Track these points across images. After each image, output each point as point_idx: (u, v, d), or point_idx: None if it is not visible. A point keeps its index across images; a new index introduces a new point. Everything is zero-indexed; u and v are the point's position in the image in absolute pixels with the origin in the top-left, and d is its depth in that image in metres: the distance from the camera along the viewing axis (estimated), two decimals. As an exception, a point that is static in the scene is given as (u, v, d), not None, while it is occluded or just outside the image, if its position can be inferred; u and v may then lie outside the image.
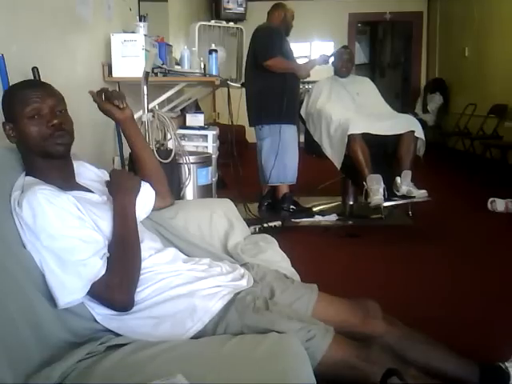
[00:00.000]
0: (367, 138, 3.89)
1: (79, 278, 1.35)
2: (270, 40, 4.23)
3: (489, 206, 4.43)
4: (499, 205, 4.39)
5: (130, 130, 1.81)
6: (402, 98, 9.94)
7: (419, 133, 3.99)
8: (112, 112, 1.75)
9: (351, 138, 3.88)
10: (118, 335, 1.39)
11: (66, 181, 1.55)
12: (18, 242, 1.37)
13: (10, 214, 1.39)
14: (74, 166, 1.65)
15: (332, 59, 4.54)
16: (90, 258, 1.37)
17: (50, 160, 1.50)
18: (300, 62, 4.54)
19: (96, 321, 1.44)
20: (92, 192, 1.61)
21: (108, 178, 1.73)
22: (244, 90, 4.44)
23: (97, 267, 1.37)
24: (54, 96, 1.51)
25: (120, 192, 1.58)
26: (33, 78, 2.18)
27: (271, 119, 4.27)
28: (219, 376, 1.15)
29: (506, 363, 1.69)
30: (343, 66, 4.53)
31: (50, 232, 1.36)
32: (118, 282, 1.38)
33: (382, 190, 3.72)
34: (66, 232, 1.37)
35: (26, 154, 1.53)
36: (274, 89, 4.23)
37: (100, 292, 1.37)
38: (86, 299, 1.42)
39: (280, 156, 4.25)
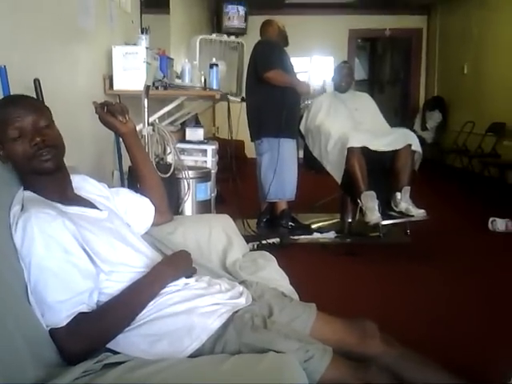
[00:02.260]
0: (365, 153, 3.90)
1: (41, 318, 1.31)
2: (270, 52, 4.27)
3: (489, 225, 4.43)
4: (500, 224, 4.40)
5: (132, 144, 1.80)
6: (400, 115, 9.97)
7: (416, 145, 4.01)
8: (115, 125, 1.74)
9: (350, 151, 3.89)
10: (114, 353, 1.38)
11: (64, 194, 1.54)
12: (17, 256, 1.36)
13: (9, 227, 1.38)
14: (76, 179, 1.64)
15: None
16: (58, 303, 1.31)
17: (43, 176, 1.49)
18: (300, 77, 4.58)
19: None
20: (94, 207, 1.60)
21: (109, 191, 1.73)
22: (244, 104, 4.45)
23: (59, 317, 1.30)
24: (35, 111, 1.47)
25: (172, 266, 1.53)
26: (34, 89, 2.19)
27: (270, 133, 4.28)
28: (217, 396, 1.14)
29: (505, 385, 1.68)
30: (343, 80, 4.56)
31: (32, 261, 1.32)
32: (83, 340, 1.31)
33: (377, 207, 3.72)
34: (46, 264, 1.32)
35: (19, 172, 1.52)
36: (273, 102, 4.24)
37: (54, 337, 1.30)
38: None
39: (279, 171, 4.25)
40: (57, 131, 1.53)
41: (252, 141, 4.47)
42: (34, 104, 1.53)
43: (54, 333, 1.31)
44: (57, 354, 1.30)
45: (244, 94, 4.57)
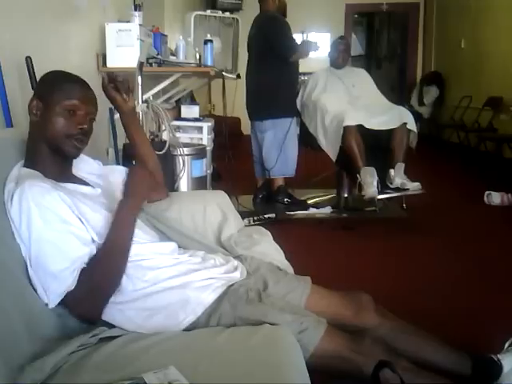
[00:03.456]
0: (361, 130, 3.89)
1: (48, 291, 1.33)
2: (290, 33, 4.21)
3: (485, 199, 4.45)
4: (495, 198, 4.41)
5: (130, 122, 1.81)
6: (397, 90, 9.92)
7: (411, 125, 4.00)
8: (117, 101, 1.74)
9: (346, 129, 3.88)
10: (110, 327, 1.39)
11: (63, 174, 1.55)
12: (12, 234, 1.36)
13: (3, 204, 1.39)
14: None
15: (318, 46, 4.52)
16: (62, 271, 1.33)
17: (56, 155, 1.50)
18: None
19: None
20: (88, 185, 1.61)
21: (102, 168, 1.73)
22: (240, 81, 4.41)
23: (66, 283, 1.33)
24: (93, 104, 1.54)
25: (135, 195, 1.52)
26: (26, 67, 2.17)
27: (279, 112, 4.26)
28: (211, 367, 1.15)
29: (498, 355, 1.70)
30: (339, 56, 4.51)
31: (31, 233, 1.34)
32: (89, 296, 1.36)
33: (375, 183, 3.73)
34: (45, 235, 1.35)
35: (34, 139, 1.52)
36: (282, 82, 4.22)
37: (67, 304, 1.35)
38: None
39: (283, 149, 4.26)
40: (93, 130, 1.57)
41: (253, 119, 4.43)
42: (95, 99, 1.57)
43: (68, 300, 1.33)
44: (53, 330, 1.31)
45: (239, 71, 4.53)
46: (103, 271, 1.39)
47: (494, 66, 6.69)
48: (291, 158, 4.34)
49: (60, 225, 1.37)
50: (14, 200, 1.36)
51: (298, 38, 4.35)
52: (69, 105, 1.46)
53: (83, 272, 1.35)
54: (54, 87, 1.49)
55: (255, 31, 4.36)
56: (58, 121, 1.46)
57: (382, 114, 4.04)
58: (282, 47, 4.15)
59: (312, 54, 4.36)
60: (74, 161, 1.61)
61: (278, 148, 4.26)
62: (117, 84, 1.72)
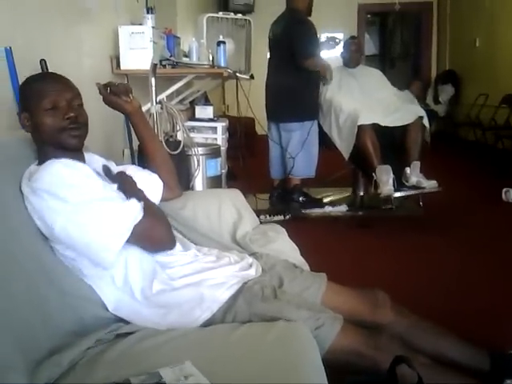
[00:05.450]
0: (375, 128, 3.88)
1: (122, 220, 1.38)
2: (309, 38, 4.17)
3: (503, 196, 4.40)
4: None
5: (138, 122, 1.82)
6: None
7: (424, 121, 3.98)
8: (119, 105, 1.75)
9: (361, 128, 3.87)
10: (126, 323, 1.40)
11: None
12: (28, 231, 1.38)
13: (19, 202, 1.40)
14: (85, 157, 1.65)
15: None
16: (128, 201, 1.42)
17: (63, 151, 1.51)
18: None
19: (106, 309, 1.44)
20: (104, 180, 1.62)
21: (116, 169, 1.74)
22: (254, 82, 4.38)
23: (137, 208, 1.41)
24: (71, 90, 1.54)
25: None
26: (41, 70, 2.19)
27: (308, 114, 4.25)
28: (227, 363, 1.15)
29: (517, 352, 1.68)
30: (351, 56, 4.51)
31: (77, 189, 1.39)
32: (157, 221, 1.46)
33: (391, 181, 3.71)
34: (91, 188, 1.41)
35: (40, 144, 1.55)
36: (311, 83, 4.22)
37: (143, 232, 1.41)
38: (100, 285, 1.44)
39: (308, 150, 4.26)
40: (86, 114, 1.58)
41: (278, 121, 4.39)
42: (71, 84, 1.57)
43: (138, 228, 1.39)
44: (70, 325, 1.32)
45: (252, 72, 4.51)
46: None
47: (509, 63, 6.62)
48: (313, 159, 4.35)
49: (100, 181, 1.47)
50: (44, 175, 1.40)
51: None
52: (47, 102, 1.48)
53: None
54: (29, 94, 1.51)
55: (281, 31, 4.29)
56: (46, 121, 1.48)
57: (396, 111, 4.03)
58: (296, 51, 4.11)
59: (324, 54, 4.34)
60: (87, 161, 1.62)
61: (303, 148, 4.25)
62: (113, 90, 1.74)
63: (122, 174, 1.63)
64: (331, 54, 5.15)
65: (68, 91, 1.52)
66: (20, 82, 2.06)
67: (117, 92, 1.74)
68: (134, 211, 1.40)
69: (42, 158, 1.53)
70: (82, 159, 1.59)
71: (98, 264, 1.41)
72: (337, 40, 4.60)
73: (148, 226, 1.42)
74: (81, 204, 1.37)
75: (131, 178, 1.61)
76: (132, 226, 1.38)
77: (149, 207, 1.47)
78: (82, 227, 1.36)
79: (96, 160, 1.72)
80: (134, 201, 1.43)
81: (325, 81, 4.29)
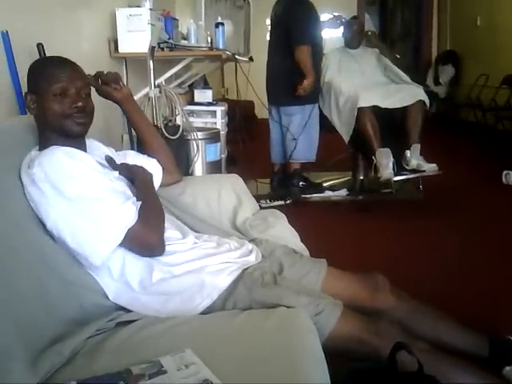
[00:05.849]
0: (375, 111, 3.85)
1: (115, 225, 1.37)
2: (307, 23, 4.04)
3: (503, 178, 4.38)
4: None
5: (129, 109, 1.83)
6: (413, 70, 9.79)
7: (425, 100, 3.95)
8: (109, 93, 1.76)
9: (361, 111, 3.84)
10: (127, 312, 1.40)
11: None
12: (28, 220, 1.37)
13: (19, 190, 1.40)
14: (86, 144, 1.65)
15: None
16: (123, 203, 1.41)
17: (65, 138, 1.51)
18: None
19: (107, 297, 1.45)
20: (105, 166, 1.61)
21: (116, 156, 1.73)
22: (254, 64, 4.33)
23: (132, 212, 1.40)
24: (81, 79, 1.53)
25: (138, 174, 1.62)
26: (38, 54, 2.17)
27: (309, 98, 4.16)
28: (228, 350, 1.16)
29: (516, 337, 1.69)
30: (353, 36, 4.47)
31: (76, 182, 1.38)
32: (149, 224, 1.43)
33: (391, 165, 3.70)
34: (91, 182, 1.40)
35: (42, 128, 1.54)
36: (313, 66, 4.15)
37: (134, 238, 1.40)
38: (99, 274, 1.44)
39: (308, 134, 4.21)
40: (93, 104, 1.57)
41: (278, 105, 4.31)
42: (82, 72, 1.57)
43: (131, 233, 1.38)
44: (72, 314, 1.32)
45: (251, 54, 4.47)
46: (148, 210, 1.47)
47: (510, 43, 6.56)
48: (313, 143, 4.30)
49: (99, 174, 1.46)
50: (44, 163, 1.39)
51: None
52: (57, 88, 1.47)
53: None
54: (40, 77, 1.50)
55: (282, 12, 4.17)
56: (53, 106, 1.47)
57: (396, 93, 3.99)
58: (292, 34, 4.00)
59: (325, 34, 4.29)
60: (88, 147, 1.61)
61: (303, 131, 4.21)
62: (103, 79, 1.74)
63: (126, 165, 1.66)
64: (334, 34, 5.05)
65: (79, 80, 1.51)
66: (16, 66, 2.05)
67: (106, 81, 1.75)
68: (128, 216, 1.39)
69: (43, 144, 1.52)
70: (83, 146, 1.59)
71: (86, 265, 1.41)
72: (343, 19, 4.53)
73: (139, 233, 1.40)
74: (76, 200, 1.36)
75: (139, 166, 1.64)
76: (124, 233, 1.38)
77: (146, 207, 1.46)
78: (73, 227, 1.36)
79: (97, 146, 1.71)
80: (129, 204, 1.42)
81: (300, 89, 4.02)
